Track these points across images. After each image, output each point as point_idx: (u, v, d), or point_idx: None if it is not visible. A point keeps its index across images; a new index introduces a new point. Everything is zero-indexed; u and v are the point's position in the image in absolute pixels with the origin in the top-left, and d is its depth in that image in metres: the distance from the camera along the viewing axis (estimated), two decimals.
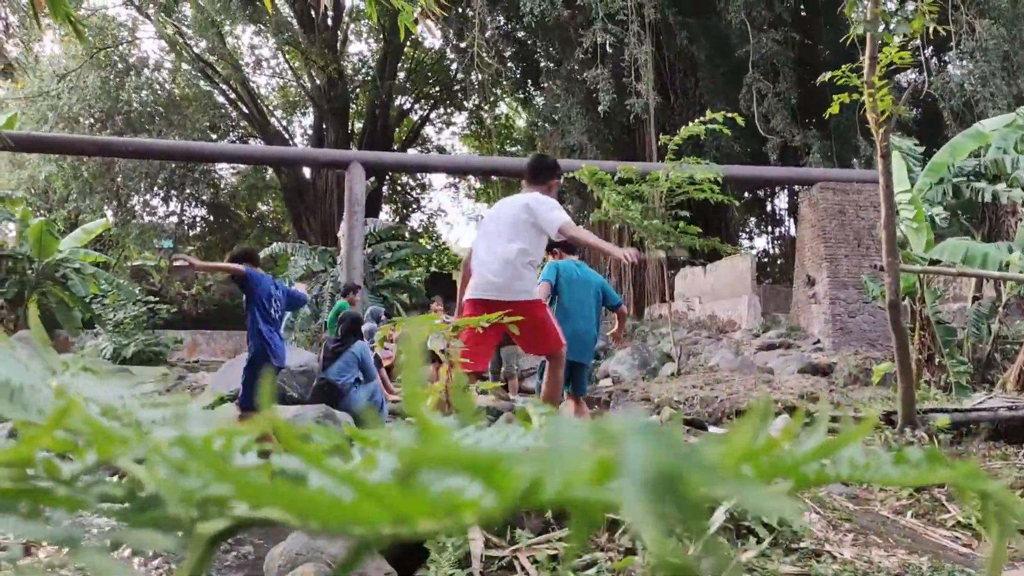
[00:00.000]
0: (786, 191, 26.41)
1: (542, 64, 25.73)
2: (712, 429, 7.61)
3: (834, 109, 4.64)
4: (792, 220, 26.42)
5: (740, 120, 9.37)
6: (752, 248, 29.27)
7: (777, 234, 29.85)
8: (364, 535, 0.25)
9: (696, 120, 9.32)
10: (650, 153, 19.92)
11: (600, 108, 18.42)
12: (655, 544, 0.22)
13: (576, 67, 21.32)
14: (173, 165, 25.69)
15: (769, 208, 28.83)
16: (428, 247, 30.64)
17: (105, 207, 25.63)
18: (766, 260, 29.29)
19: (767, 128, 18.87)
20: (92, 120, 24.26)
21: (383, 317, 12.26)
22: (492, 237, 4.84)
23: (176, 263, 6.34)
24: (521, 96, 28.63)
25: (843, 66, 4.25)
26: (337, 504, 0.25)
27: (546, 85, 24.29)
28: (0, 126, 13.61)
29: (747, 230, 29.93)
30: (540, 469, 0.25)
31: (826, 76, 4.60)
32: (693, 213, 11.25)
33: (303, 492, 0.27)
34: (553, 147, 22.23)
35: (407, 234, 24.83)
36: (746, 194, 24.45)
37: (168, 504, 0.29)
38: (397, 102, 30.22)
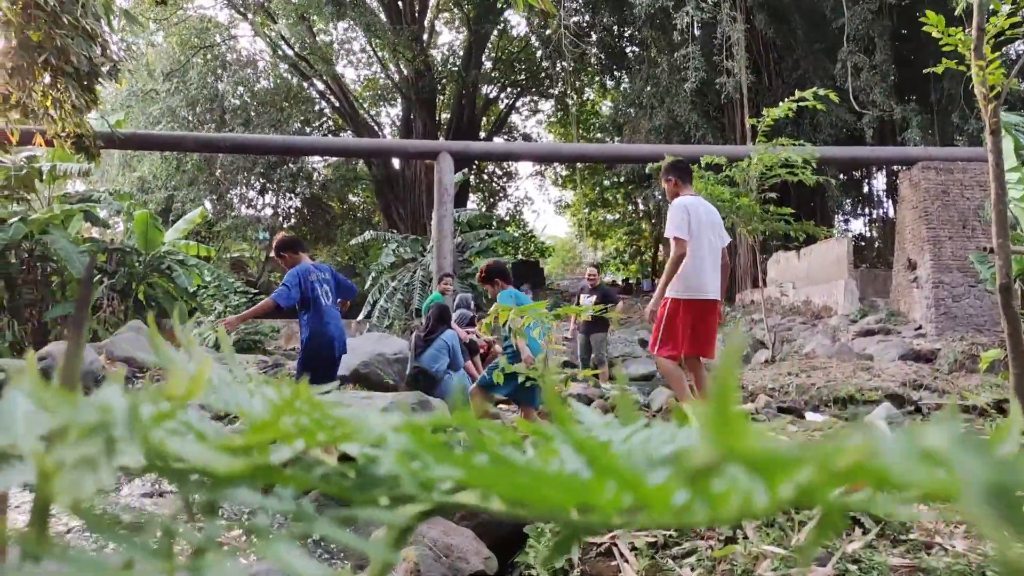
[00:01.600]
0: (884, 171, 25.49)
1: (628, 49, 25.48)
2: (810, 416, 7.45)
3: (939, 70, 4.45)
4: (891, 201, 25.50)
5: (834, 97, 9.07)
6: (848, 231, 28.38)
7: (874, 216, 28.85)
8: (592, 522, 0.27)
9: (787, 99, 9.07)
10: (741, 135, 19.50)
11: (687, 85, 18.08)
12: (1001, 544, 0.23)
13: (664, 49, 21.04)
14: (269, 158, 26.48)
15: (866, 189, 27.88)
16: (515, 235, 30.77)
17: (205, 200, 26.61)
18: (863, 243, 28.36)
19: (864, 103, 18.25)
20: (193, 117, 25.18)
21: (471, 304, 12.39)
22: (710, 237, 5.14)
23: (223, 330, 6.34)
24: (606, 81, 28.43)
25: (949, 30, 4.06)
26: (583, 492, 0.27)
27: (632, 69, 24.03)
28: (111, 126, 14.31)
29: (843, 212, 29.01)
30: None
31: (939, 68, 4.41)
32: (786, 195, 10.98)
33: (547, 477, 0.28)
34: (640, 131, 21.97)
35: (494, 222, 24.96)
36: (841, 175, 23.70)
37: (402, 485, 0.32)
38: (483, 91, 30.39)
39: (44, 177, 16.16)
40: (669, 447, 0.42)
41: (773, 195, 10.65)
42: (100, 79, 9.00)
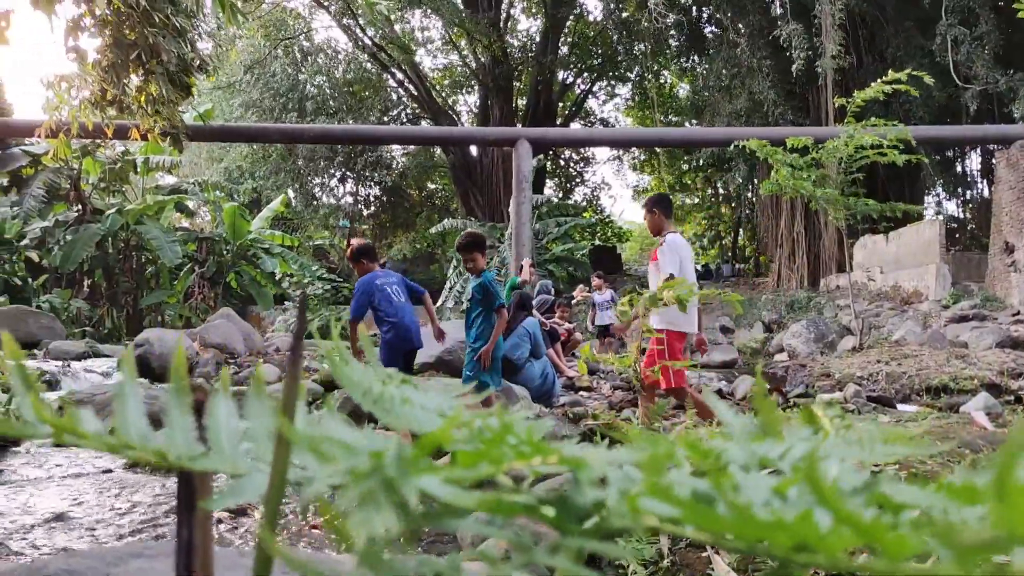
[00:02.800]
0: (979, 151, 24.45)
1: (707, 30, 24.99)
2: (901, 407, 7.24)
3: None
4: (986, 182, 24.44)
5: (929, 80, 8.72)
6: (939, 213, 27.32)
7: (968, 197, 27.68)
8: (816, 562, 0.27)
9: (880, 81, 8.76)
10: (826, 116, 18.96)
11: (794, 68, 17.51)
12: None
13: (747, 30, 20.58)
14: (349, 147, 26.94)
15: (959, 169, 26.76)
16: (592, 220, 30.61)
17: (288, 189, 27.24)
18: (955, 226, 27.26)
19: (965, 77, 17.48)
20: (276, 108, 25.76)
21: (551, 290, 12.42)
22: (690, 274, 5.62)
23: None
24: (685, 64, 27.96)
25: None
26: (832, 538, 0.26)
27: (712, 50, 23.57)
28: (202, 117, 14.78)
29: (934, 193, 27.93)
30: None
31: None
32: (873, 177, 10.62)
33: (782, 523, 0.28)
34: (721, 114, 21.57)
35: (571, 208, 24.88)
36: (934, 155, 22.83)
37: (609, 514, 0.33)
38: (560, 76, 30.25)
39: (138, 170, 16.78)
40: (838, 466, 0.42)
41: (860, 176, 10.32)
42: (191, 74, 9.30)
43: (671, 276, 5.38)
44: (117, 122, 9.98)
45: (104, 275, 16.46)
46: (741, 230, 32.06)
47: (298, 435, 0.36)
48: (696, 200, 34.65)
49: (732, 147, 13.77)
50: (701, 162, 29.89)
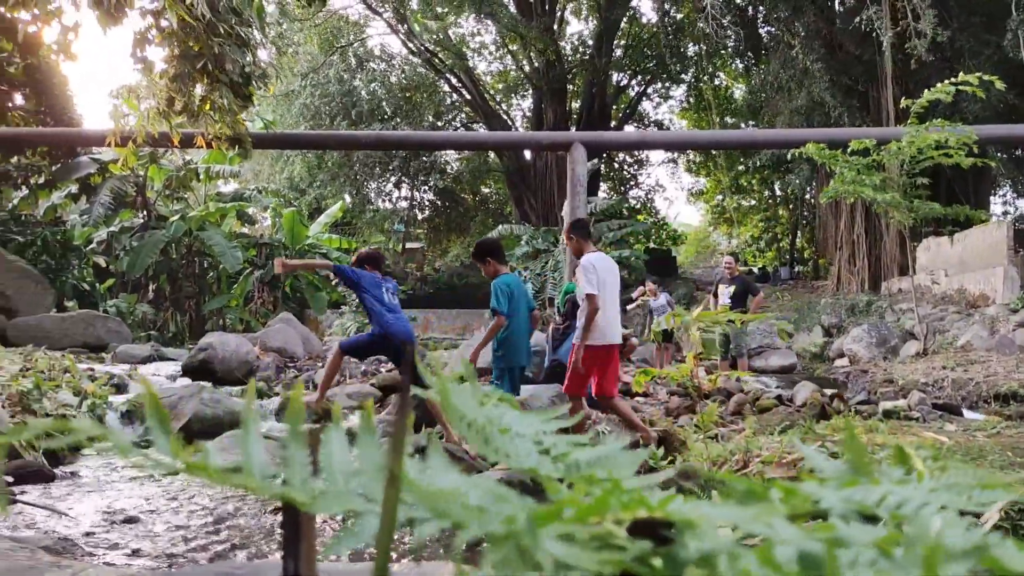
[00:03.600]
0: None
1: (764, 30, 24.65)
2: (968, 414, 7.05)
3: None
4: None
5: (1000, 84, 8.46)
6: (1007, 214, 26.49)
7: None
8: None
9: (946, 82, 8.55)
10: (887, 116, 18.54)
11: (883, 49, 17.00)
12: None
13: (800, 31, 20.23)
14: (403, 153, 27.19)
15: None
16: (646, 224, 30.40)
17: (344, 194, 27.60)
18: None
19: None
20: (331, 115, 26.14)
21: None
22: (613, 291, 5.93)
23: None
24: (741, 65, 27.61)
25: None
26: None
27: (769, 51, 23.24)
28: (261, 127, 15.10)
29: (1002, 193, 27.09)
30: None
31: None
32: (938, 178, 10.36)
33: None
34: (781, 114, 21.23)
35: (626, 211, 24.76)
36: (1000, 154, 22.15)
37: (717, 570, 0.34)
38: (614, 79, 30.12)
39: (200, 177, 17.18)
40: (940, 520, 0.42)
41: (923, 178, 10.08)
42: (252, 83, 9.49)
43: (589, 295, 5.70)
44: (182, 131, 10.22)
45: (168, 280, 16.89)
46: (799, 232, 31.52)
47: (418, 490, 0.38)
48: (753, 202, 34.17)
49: (790, 154, 13.54)
50: (758, 163, 29.46)
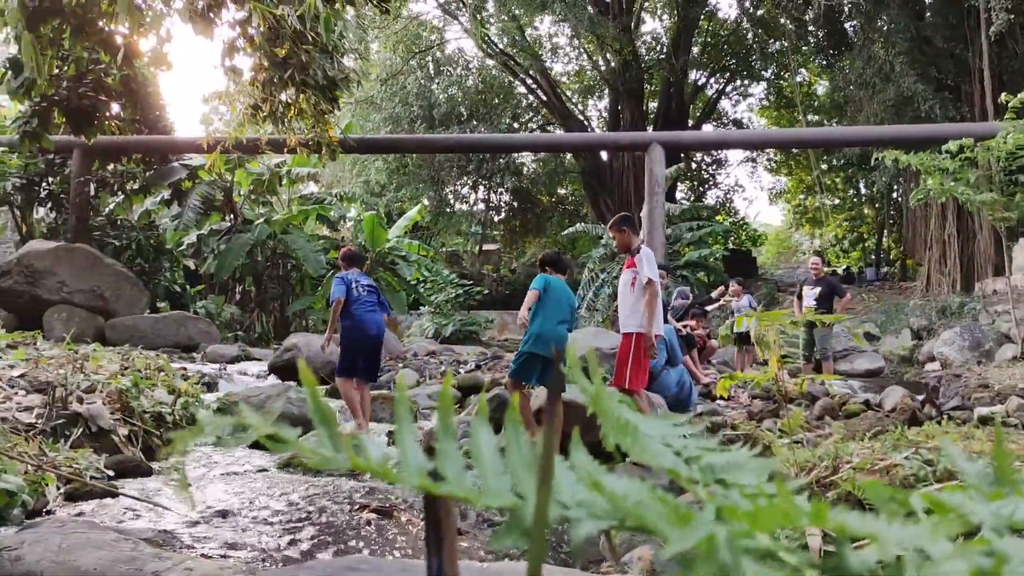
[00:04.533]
0: None
1: (847, 25, 23.99)
2: None
3: None
4: None
5: None
6: None
7: None
8: None
9: None
10: (983, 111, 17.82)
11: (992, 30, 16.34)
12: None
13: (884, 25, 19.64)
14: (480, 155, 27.39)
15: None
16: (725, 224, 29.94)
17: (423, 198, 27.95)
18: None
19: None
20: (410, 119, 26.50)
21: (688, 296, 12.25)
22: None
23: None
24: (824, 61, 26.93)
25: None
26: None
27: (853, 46, 22.60)
28: (343, 132, 15.42)
29: None
30: None
31: None
32: None
33: None
34: (868, 111, 20.63)
35: (704, 212, 24.42)
36: None
37: None
38: (691, 78, 29.75)
39: (284, 181, 17.62)
40: None
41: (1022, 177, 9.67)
42: (337, 88, 9.69)
43: (651, 280, 5.98)
44: (270, 136, 10.51)
45: (254, 282, 17.37)
46: (886, 232, 30.54)
47: (606, 492, 0.38)
48: (837, 201, 33.28)
49: (875, 158, 13.14)
50: (842, 161, 28.70)
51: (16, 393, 5.94)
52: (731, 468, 0.56)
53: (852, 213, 32.51)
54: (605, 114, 31.98)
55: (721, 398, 9.21)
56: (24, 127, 10.73)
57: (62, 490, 4.54)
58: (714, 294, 13.02)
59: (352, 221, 21.71)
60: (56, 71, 8.78)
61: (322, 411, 0.45)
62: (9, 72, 9.50)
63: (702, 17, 27.88)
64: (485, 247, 31.60)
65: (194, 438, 0.42)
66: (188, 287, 16.70)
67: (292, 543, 3.91)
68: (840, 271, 29.16)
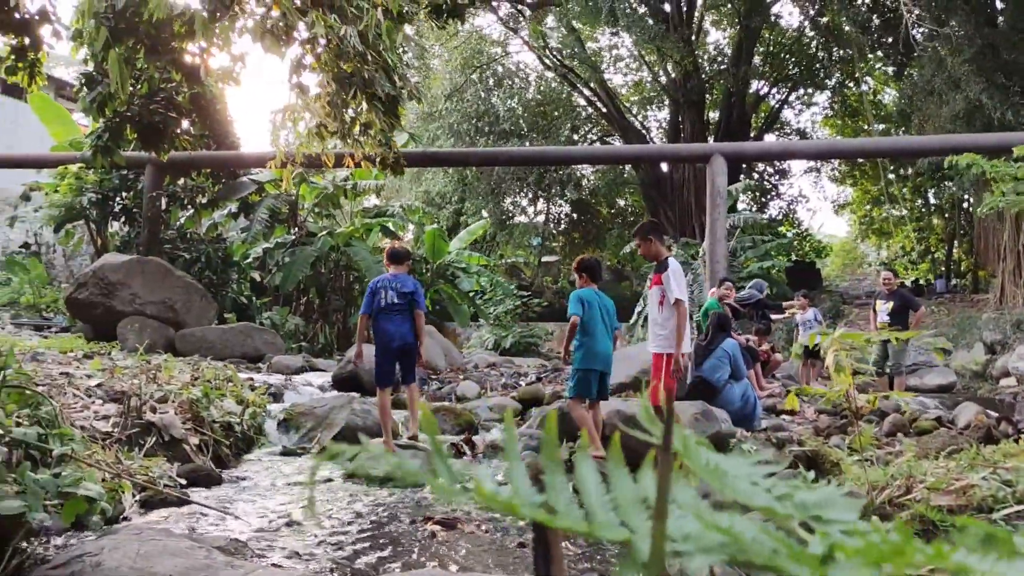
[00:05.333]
0: None
1: (915, 31, 23.46)
2: None
3: None
4: None
5: None
6: None
7: None
8: None
9: None
10: None
11: None
12: None
13: (952, 31, 19.14)
14: (540, 167, 27.46)
15: None
16: (788, 235, 29.44)
17: (483, 210, 28.12)
18: None
19: None
20: (470, 132, 26.71)
21: (764, 289, 12.15)
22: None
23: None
24: (890, 69, 26.35)
25: None
26: None
27: (921, 53, 22.08)
28: (403, 145, 15.62)
29: None
30: None
31: None
32: None
33: None
34: (935, 119, 20.13)
35: (767, 222, 24.07)
36: None
37: None
38: (753, 88, 29.39)
39: (347, 195, 17.91)
40: None
41: None
42: (400, 104, 9.84)
43: (679, 301, 5.94)
44: (335, 151, 10.70)
45: (317, 294, 17.66)
46: (956, 242, 29.68)
47: (724, 531, 0.39)
48: (904, 212, 32.47)
49: (947, 161, 12.79)
50: (909, 171, 28.01)
51: (93, 402, 6.15)
52: (822, 504, 0.56)
53: (921, 224, 31.69)
54: (665, 125, 31.80)
55: (786, 413, 9.05)
56: (97, 142, 11.13)
57: (137, 498, 4.68)
58: (785, 304, 12.80)
59: (413, 233, 21.95)
60: (130, 89, 9.08)
61: (437, 446, 0.47)
62: (84, 88, 9.89)
63: (764, 27, 27.54)
64: (545, 259, 31.63)
65: (323, 465, 0.44)
66: (254, 299, 17.07)
67: (359, 553, 3.96)
68: (909, 283, 28.44)
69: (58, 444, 4.10)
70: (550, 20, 27.65)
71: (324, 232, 17.59)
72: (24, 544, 3.52)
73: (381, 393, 6.87)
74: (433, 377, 11.39)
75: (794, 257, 29.49)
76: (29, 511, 3.30)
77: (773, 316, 12.51)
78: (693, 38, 27.28)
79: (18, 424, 3.98)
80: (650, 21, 25.20)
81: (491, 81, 28.63)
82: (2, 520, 3.35)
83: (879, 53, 25.46)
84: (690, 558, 0.45)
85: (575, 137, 30.60)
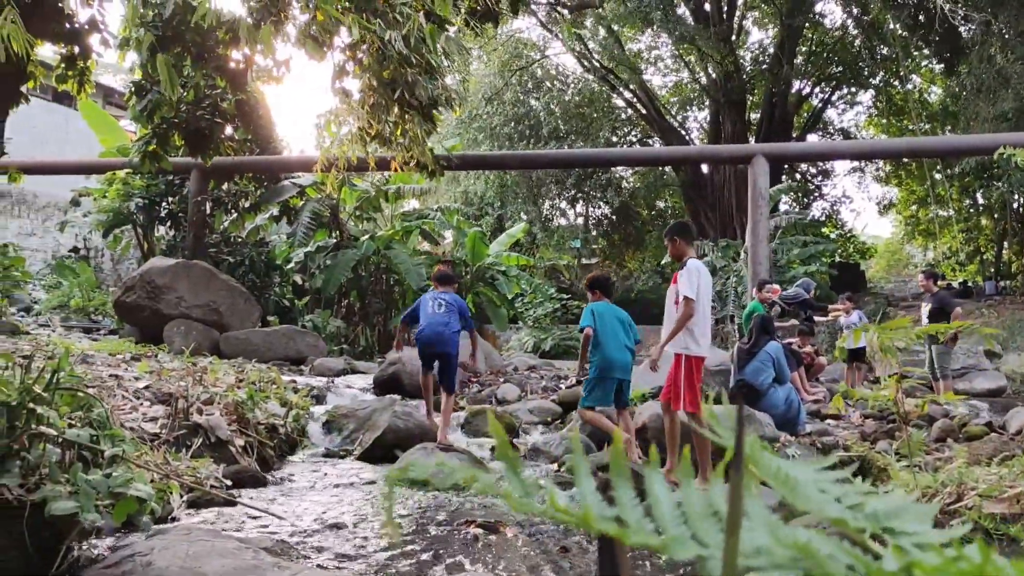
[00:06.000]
0: None
1: (962, 29, 23.00)
2: None
3: None
4: None
5: None
6: None
7: None
8: None
9: None
10: None
11: None
12: None
13: (1001, 28, 18.75)
14: (579, 170, 27.41)
15: None
16: (831, 236, 29.05)
17: (522, 213, 28.13)
18: None
19: None
20: (511, 135, 26.75)
21: (811, 289, 12.02)
22: (707, 302, 6.16)
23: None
24: (937, 67, 25.89)
25: None
26: None
27: (969, 51, 21.65)
28: (448, 150, 15.73)
29: None
30: None
31: None
32: None
33: None
34: (980, 118, 19.73)
35: (809, 223, 23.74)
36: None
37: None
38: (795, 87, 29.04)
39: (388, 198, 18.04)
40: None
41: None
42: (439, 108, 9.89)
43: (687, 298, 5.92)
44: (376, 155, 10.79)
45: (358, 296, 17.80)
46: (1006, 243, 29.02)
47: (798, 546, 0.39)
48: (951, 212, 31.83)
49: (996, 155, 12.54)
50: (957, 170, 27.46)
51: (142, 404, 6.26)
52: (894, 515, 0.55)
53: (968, 224, 31.05)
54: (705, 126, 31.55)
55: (831, 417, 8.93)
56: (144, 148, 11.35)
57: (185, 498, 4.75)
58: (830, 308, 12.62)
59: (452, 234, 22.02)
60: (178, 94, 9.25)
61: (510, 458, 0.47)
62: (134, 96, 10.09)
63: (807, 25, 27.20)
64: (584, 262, 31.55)
65: (401, 481, 0.45)
66: (296, 301, 17.26)
67: (402, 556, 3.99)
68: (955, 285, 27.87)
69: (109, 445, 4.18)
70: (589, 22, 27.60)
71: (365, 236, 17.74)
72: (77, 543, 3.61)
73: (425, 376, 7.83)
74: (473, 380, 11.42)
75: (838, 258, 29.09)
76: (82, 511, 3.37)
77: (817, 317, 12.35)
78: (734, 37, 27.04)
79: (71, 425, 4.06)
80: (689, 20, 25.04)
81: (530, 84, 28.65)
82: (56, 520, 3.42)
83: (925, 51, 25.03)
84: (763, 574, 0.44)
85: (614, 139, 30.48)
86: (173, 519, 4.40)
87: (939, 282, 11.53)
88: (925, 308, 10.51)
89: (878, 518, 0.54)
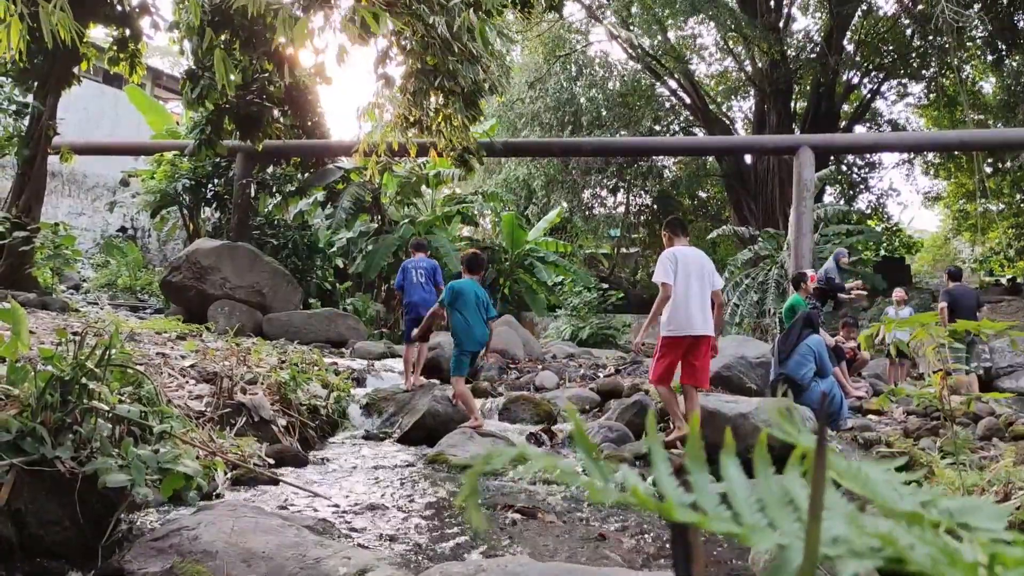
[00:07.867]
0: None
1: (1017, 18, 22.45)
2: None
3: None
4: None
5: None
6: None
7: None
8: None
9: None
10: None
11: None
12: None
13: None
14: (620, 158, 27.22)
15: None
16: (878, 230, 28.55)
17: (563, 200, 28.04)
18: None
19: None
20: (553, 123, 26.65)
21: (844, 257, 11.93)
22: (696, 282, 6.42)
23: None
24: (992, 57, 25.27)
25: None
26: None
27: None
28: (486, 133, 15.71)
29: None
30: None
31: None
32: None
33: None
34: None
35: (854, 217, 23.37)
36: None
37: None
38: (844, 77, 28.51)
39: (429, 183, 18.11)
40: None
41: None
42: (482, 95, 9.89)
43: (663, 285, 6.39)
44: (418, 141, 10.83)
45: None
46: None
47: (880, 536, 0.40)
48: (1002, 207, 31.08)
49: None
50: (1008, 164, 26.85)
51: (187, 382, 6.38)
52: (967, 512, 0.55)
53: (1018, 219, 30.33)
54: (750, 115, 31.12)
55: (873, 413, 8.81)
56: (200, 136, 11.54)
57: (229, 475, 4.84)
58: (849, 285, 12.31)
59: (492, 222, 22.05)
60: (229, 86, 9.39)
61: (586, 444, 0.48)
62: (188, 84, 10.24)
63: (857, 14, 26.66)
64: (623, 251, 31.38)
65: (482, 472, 0.46)
66: (337, 285, 17.43)
67: (441, 538, 4.03)
68: (1005, 281, 27.29)
69: (158, 421, 4.28)
70: (634, 9, 27.34)
71: (406, 220, 17.83)
72: (125, 516, 3.70)
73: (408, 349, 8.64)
74: (511, 366, 11.45)
75: (883, 252, 28.61)
76: (134, 485, 3.45)
77: (840, 297, 12.07)
78: (781, 26, 26.61)
79: (121, 401, 4.16)
80: (736, 8, 24.70)
81: (573, 70, 28.47)
82: (108, 492, 3.52)
83: (978, 41, 24.46)
84: (842, 563, 0.45)
85: (657, 128, 30.18)
86: (218, 495, 4.49)
87: (954, 280, 11.40)
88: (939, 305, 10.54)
89: (952, 515, 0.54)
